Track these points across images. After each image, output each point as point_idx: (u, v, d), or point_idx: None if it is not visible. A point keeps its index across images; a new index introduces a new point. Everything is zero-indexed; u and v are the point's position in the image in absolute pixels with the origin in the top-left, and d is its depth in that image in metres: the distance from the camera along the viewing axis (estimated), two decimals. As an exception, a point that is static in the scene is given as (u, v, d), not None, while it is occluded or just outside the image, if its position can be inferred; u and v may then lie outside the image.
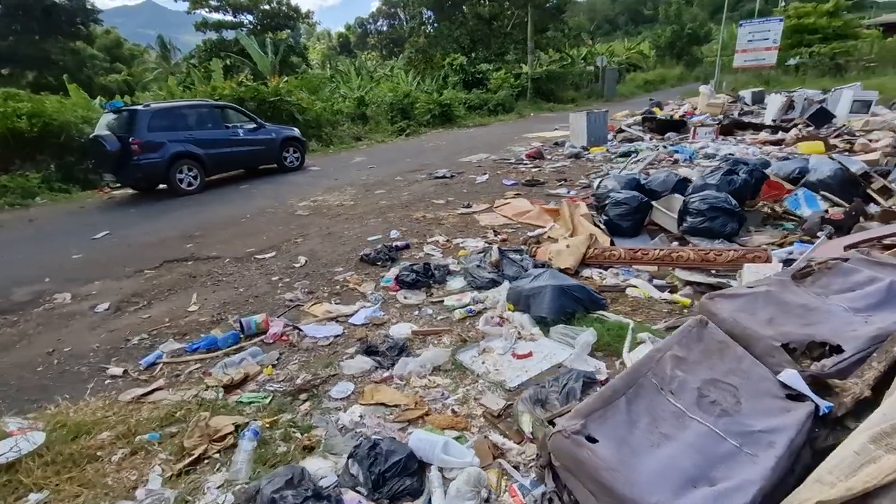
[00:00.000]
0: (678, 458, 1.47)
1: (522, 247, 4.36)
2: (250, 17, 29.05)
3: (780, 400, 1.72)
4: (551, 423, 1.73)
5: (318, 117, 14.32)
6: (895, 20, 27.50)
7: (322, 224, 5.86)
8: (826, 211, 4.11)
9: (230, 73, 19.29)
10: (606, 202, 4.56)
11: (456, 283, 3.82)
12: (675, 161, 7.67)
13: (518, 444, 1.99)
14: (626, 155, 8.57)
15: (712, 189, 4.30)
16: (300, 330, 3.27)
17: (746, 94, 16.16)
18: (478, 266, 3.84)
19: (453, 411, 2.28)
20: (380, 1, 55.84)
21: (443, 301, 3.51)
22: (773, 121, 11.16)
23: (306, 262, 4.60)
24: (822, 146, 7.23)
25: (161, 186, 8.21)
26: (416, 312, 3.43)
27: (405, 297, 3.63)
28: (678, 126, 10.52)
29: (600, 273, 3.72)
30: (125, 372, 2.92)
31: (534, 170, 8.16)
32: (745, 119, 11.15)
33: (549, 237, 4.68)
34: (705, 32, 39.21)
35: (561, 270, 3.71)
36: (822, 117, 10.16)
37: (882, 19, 28.99)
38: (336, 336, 3.17)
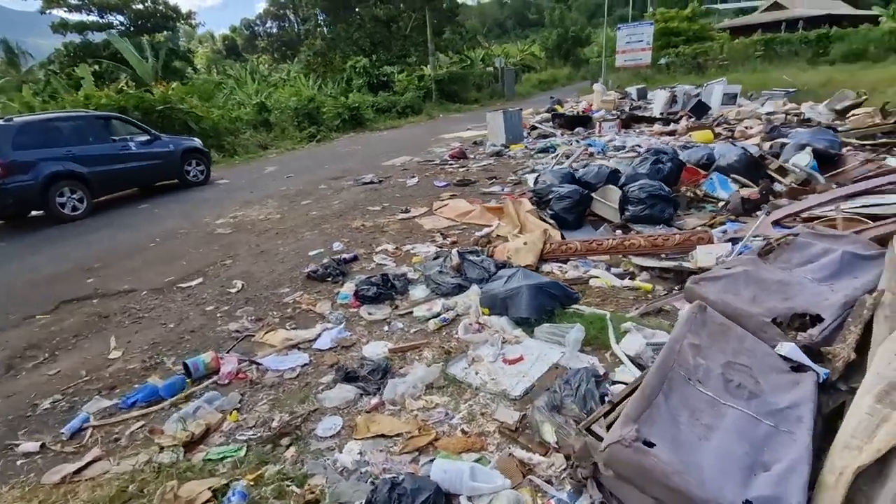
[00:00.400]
0: (728, 447, 1.48)
1: (476, 248, 4.31)
2: (121, 18, 25.91)
3: (787, 373, 1.82)
4: (589, 430, 1.67)
5: (215, 126, 13.14)
6: (738, 24, 32.00)
7: (250, 242, 5.33)
8: (737, 190, 4.59)
9: (103, 81, 17.06)
10: (550, 197, 4.67)
11: (418, 291, 3.66)
12: (591, 154, 8.15)
13: (544, 455, 1.91)
14: (544, 151, 8.94)
15: (643, 178, 4.59)
16: (259, 364, 2.90)
17: (632, 90, 17.73)
18: (440, 272, 3.71)
19: (463, 431, 2.14)
20: (266, 2, 53.04)
21: (412, 312, 3.33)
22: (661, 114, 12.35)
23: (243, 285, 4.13)
24: (710, 134, 8.13)
25: (36, 213, 6.95)
26: (386, 328, 3.21)
27: (369, 313, 3.39)
28: (585, 121, 11.23)
29: (560, 267, 3.78)
30: (43, 446, 2.36)
31: (461, 170, 8.18)
32: (639, 113, 12.18)
33: (497, 236, 4.68)
34: (586, 35, 42.60)
35: (525, 266, 3.72)
36: (700, 109, 11.44)
37: (728, 23, 33.58)
38: (303, 365, 2.86)
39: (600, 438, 1.63)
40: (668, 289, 3.25)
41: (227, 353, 3.05)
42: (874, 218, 2.98)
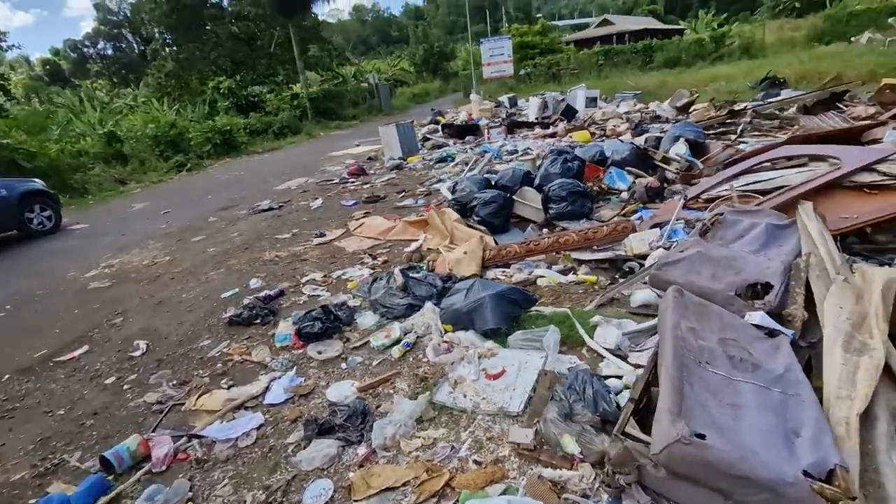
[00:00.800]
0: (761, 423, 1.54)
1: (413, 264, 4.15)
2: None
3: (766, 340, 1.98)
4: (624, 434, 1.63)
5: (55, 163, 11.10)
6: (579, 38, 36.11)
7: (141, 293, 4.51)
8: (635, 180, 5.07)
9: None
10: (474, 203, 4.69)
11: (367, 318, 3.38)
12: (489, 160, 8.44)
13: (571, 469, 1.83)
14: (443, 160, 9.06)
15: (557, 177, 4.84)
16: (201, 437, 2.41)
17: (504, 98, 18.93)
18: (386, 294, 3.48)
19: (476, 462, 1.98)
20: (95, 21, 46.70)
21: (367, 343, 3.06)
22: (537, 118, 13.34)
23: (148, 346, 3.45)
24: (588, 134, 8.96)
25: None
26: (343, 365, 2.90)
27: (319, 352, 3.04)
28: (473, 130, 11.65)
29: (504, 272, 3.79)
30: None
31: (365, 186, 7.92)
32: (519, 119, 12.99)
33: (428, 249, 4.57)
34: (451, 50, 44.71)
35: (468, 276, 3.66)
36: (569, 112, 12.59)
37: (571, 37, 37.69)
38: (259, 427, 2.44)
39: (638, 440, 1.60)
40: (609, 278, 3.42)
41: (154, 431, 2.49)
42: (762, 193, 3.49)
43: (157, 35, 25.97)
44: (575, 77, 25.38)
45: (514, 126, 11.90)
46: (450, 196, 5.63)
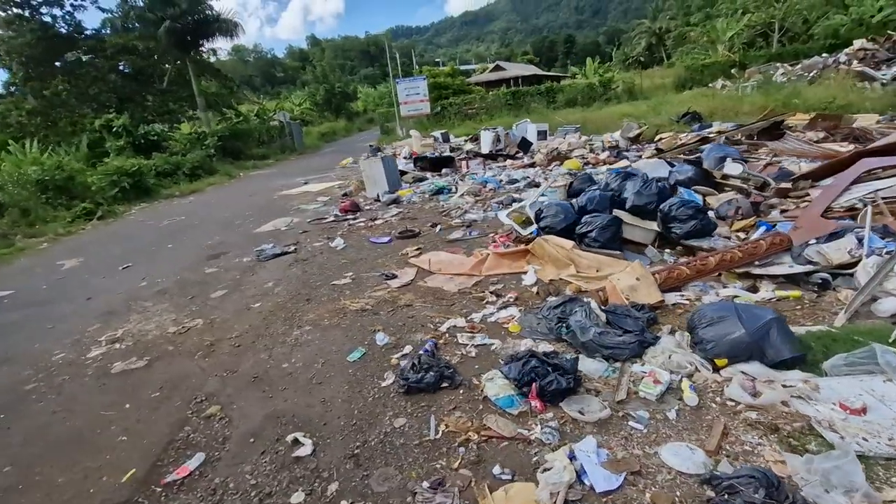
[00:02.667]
0: None
1: (583, 297, 3.67)
2: None
3: None
4: None
5: None
6: (482, 80, 38.46)
7: (209, 369, 3.36)
8: (735, 197, 5.19)
9: None
10: (588, 228, 4.39)
11: (589, 364, 2.83)
12: (492, 190, 8.23)
13: None
14: (439, 192, 8.63)
15: (647, 198, 4.76)
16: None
17: (437, 134, 19.14)
18: (600, 334, 2.97)
19: None
20: None
21: (637, 393, 2.53)
22: (490, 151, 13.57)
23: (315, 446, 2.48)
24: (577, 163, 9.25)
25: None
26: (633, 424, 2.33)
27: (581, 412, 2.44)
28: (448, 162, 11.41)
29: (681, 295, 3.51)
30: None
31: (376, 222, 7.15)
32: (484, 152, 13.06)
33: (551, 281, 4.12)
34: (353, 90, 44.67)
35: (653, 307, 3.33)
36: (525, 145, 13.06)
37: (475, 79, 39.96)
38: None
39: None
40: (812, 291, 3.32)
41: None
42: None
43: (13, 68, 21.72)
44: (488, 115, 26.78)
45: (487, 158, 11.95)
46: (527, 227, 5.25)
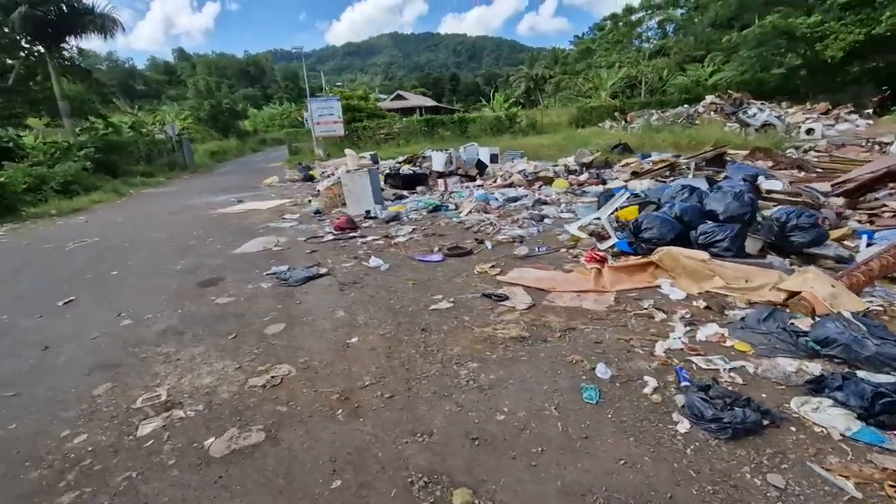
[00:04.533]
0: None
1: (778, 307, 3.30)
2: None
3: None
4: None
5: None
6: (389, 107, 38.20)
7: (392, 425, 2.26)
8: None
9: None
10: (716, 237, 4.14)
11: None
12: (499, 208, 7.77)
13: None
14: (437, 209, 7.90)
15: (736, 208, 4.71)
16: None
17: (366, 154, 18.22)
18: (879, 345, 2.61)
19: None
20: None
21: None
22: (442, 172, 13.16)
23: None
24: (566, 182, 9.26)
25: None
26: None
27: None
28: (422, 179, 10.65)
29: (868, 301, 3.37)
30: None
31: (398, 240, 6.16)
32: (461, 172, 12.54)
33: (716, 291, 3.74)
34: (242, 108, 41.07)
35: (862, 313, 3.12)
36: (482, 166, 12.93)
37: (385, 105, 39.48)
38: None
39: None
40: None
41: None
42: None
43: None
44: (403, 139, 26.50)
45: (465, 177, 11.51)
46: (621, 240, 4.85)
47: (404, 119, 29.40)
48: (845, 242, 4.52)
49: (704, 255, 4.04)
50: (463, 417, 2.39)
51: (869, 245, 4.27)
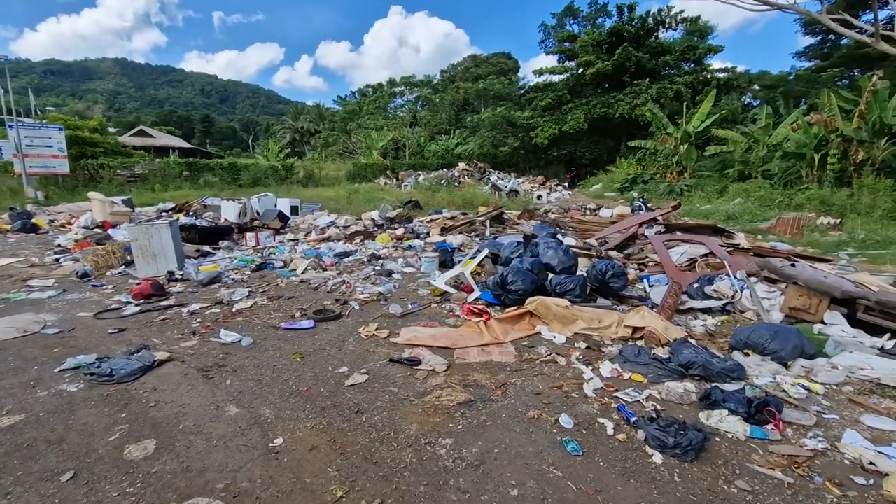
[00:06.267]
0: None
1: (639, 342, 4.06)
2: None
3: None
4: None
5: None
6: (130, 143, 31.68)
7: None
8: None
9: None
10: (569, 287, 4.93)
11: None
12: (335, 264, 7.39)
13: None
14: (261, 267, 6.98)
15: (566, 261, 5.78)
16: None
17: (118, 199, 14.80)
18: (719, 362, 3.54)
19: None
20: None
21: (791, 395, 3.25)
22: (236, 223, 11.78)
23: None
24: (388, 237, 9.49)
25: None
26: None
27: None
28: (226, 232, 9.07)
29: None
30: None
31: (240, 307, 5.15)
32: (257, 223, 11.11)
33: (581, 333, 4.40)
34: None
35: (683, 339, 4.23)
36: (284, 218, 12.15)
37: (131, 141, 32.35)
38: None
39: None
40: (723, 314, 4.98)
41: None
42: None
43: None
44: (163, 186, 22.52)
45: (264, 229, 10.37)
46: (483, 291, 5.21)
47: (157, 160, 25.00)
48: (637, 286, 6.02)
49: (566, 302, 4.77)
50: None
51: (651, 286, 5.80)
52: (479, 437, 2.70)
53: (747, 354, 3.86)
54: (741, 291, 5.20)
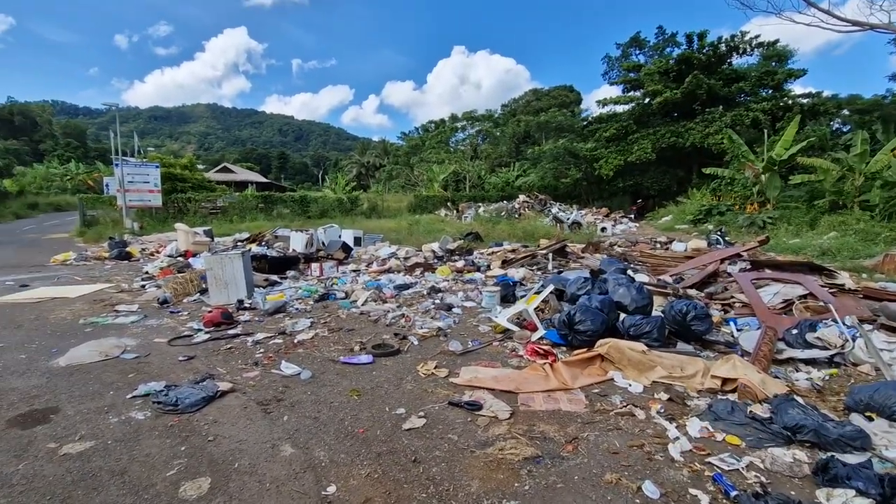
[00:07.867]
0: None
1: (729, 396, 3.57)
2: None
3: None
4: None
5: None
6: (214, 179, 34.69)
7: None
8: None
9: None
10: (646, 330, 4.50)
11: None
12: (394, 297, 7.35)
13: None
14: (324, 297, 7.07)
15: (639, 300, 5.32)
16: None
17: (200, 230, 15.97)
18: (836, 427, 2.99)
19: None
20: None
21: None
22: (303, 253, 12.21)
23: None
24: (449, 270, 9.38)
25: None
26: None
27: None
28: (293, 263, 9.45)
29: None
30: None
31: (301, 338, 5.18)
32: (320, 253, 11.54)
33: (662, 382, 3.95)
34: (6, 164, 32.46)
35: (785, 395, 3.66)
36: (347, 248, 12.44)
37: (215, 177, 35.54)
38: None
39: None
40: (831, 367, 4.31)
41: None
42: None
43: None
44: (240, 218, 24.15)
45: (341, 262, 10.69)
46: (548, 330, 4.90)
47: (236, 193, 27.01)
48: (722, 329, 5.42)
49: (642, 346, 4.34)
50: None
51: (739, 331, 5.19)
52: (548, 503, 2.39)
53: (870, 418, 3.24)
54: (853, 340, 4.48)
